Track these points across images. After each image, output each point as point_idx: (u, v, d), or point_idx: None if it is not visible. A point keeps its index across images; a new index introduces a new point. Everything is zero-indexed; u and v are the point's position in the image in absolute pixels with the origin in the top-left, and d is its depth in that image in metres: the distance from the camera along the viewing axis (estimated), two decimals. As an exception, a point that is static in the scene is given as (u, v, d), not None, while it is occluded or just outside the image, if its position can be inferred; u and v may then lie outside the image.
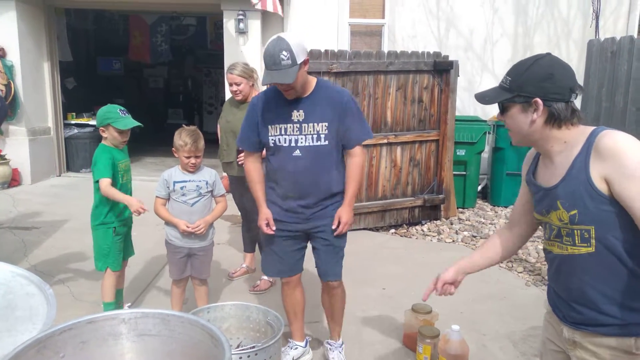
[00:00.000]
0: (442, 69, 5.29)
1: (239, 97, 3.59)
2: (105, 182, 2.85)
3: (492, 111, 7.17)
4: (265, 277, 3.79)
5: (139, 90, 12.19)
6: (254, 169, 2.58)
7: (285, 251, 2.61)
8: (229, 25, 6.62)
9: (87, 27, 10.57)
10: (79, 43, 10.25)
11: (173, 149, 2.76)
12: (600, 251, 1.43)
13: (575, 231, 1.45)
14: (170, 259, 2.86)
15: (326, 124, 2.39)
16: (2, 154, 6.65)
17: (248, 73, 3.56)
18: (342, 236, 2.57)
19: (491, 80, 7.21)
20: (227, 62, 6.65)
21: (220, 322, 2.56)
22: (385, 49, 7.05)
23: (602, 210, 1.39)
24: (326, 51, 4.85)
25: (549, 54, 1.49)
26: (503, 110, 1.53)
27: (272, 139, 2.44)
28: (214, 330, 1.42)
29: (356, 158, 2.49)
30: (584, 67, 7.10)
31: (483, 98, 1.55)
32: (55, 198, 6.33)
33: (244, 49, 6.63)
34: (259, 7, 5.83)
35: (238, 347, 2.55)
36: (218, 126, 3.91)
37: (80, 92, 9.29)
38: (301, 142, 2.41)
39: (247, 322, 2.59)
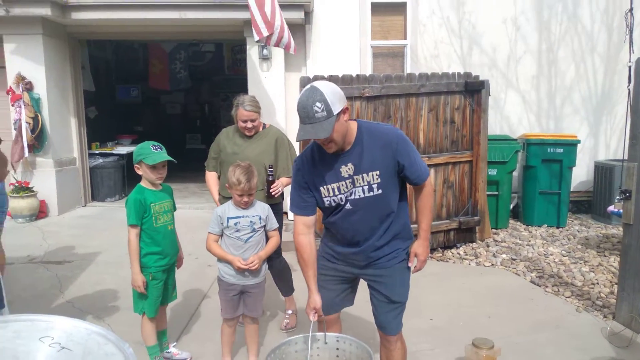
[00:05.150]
0: (474, 89, 5.23)
1: (252, 133, 3.35)
2: (134, 233, 2.76)
3: (519, 129, 7.09)
4: (290, 312, 3.58)
5: (157, 117, 12.28)
6: (307, 244, 2.29)
7: (331, 289, 2.44)
8: (252, 51, 6.63)
9: (107, 57, 10.69)
10: (99, 72, 10.36)
11: (227, 184, 2.70)
12: None
13: None
14: (222, 297, 2.78)
15: (377, 172, 2.17)
16: (29, 186, 6.66)
17: (258, 105, 3.35)
18: (402, 291, 2.36)
19: (516, 97, 7.13)
20: (250, 89, 6.63)
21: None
22: (408, 69, 7.02)
23: None
24: (357, 76, 4.82)
25: None
26: None
27: (327, 201, 2.25)
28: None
29: (426, 188, 2.31)
30: (609, 82, 7.09)
31: None
32: (84, 229, 6.30)
33: (267, 75, 6.63)
34: (262, 43, 5.75)
35: None
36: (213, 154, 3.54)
37: (101, 120, 9.35)
38: (352, 196, 2.20)
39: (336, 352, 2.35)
